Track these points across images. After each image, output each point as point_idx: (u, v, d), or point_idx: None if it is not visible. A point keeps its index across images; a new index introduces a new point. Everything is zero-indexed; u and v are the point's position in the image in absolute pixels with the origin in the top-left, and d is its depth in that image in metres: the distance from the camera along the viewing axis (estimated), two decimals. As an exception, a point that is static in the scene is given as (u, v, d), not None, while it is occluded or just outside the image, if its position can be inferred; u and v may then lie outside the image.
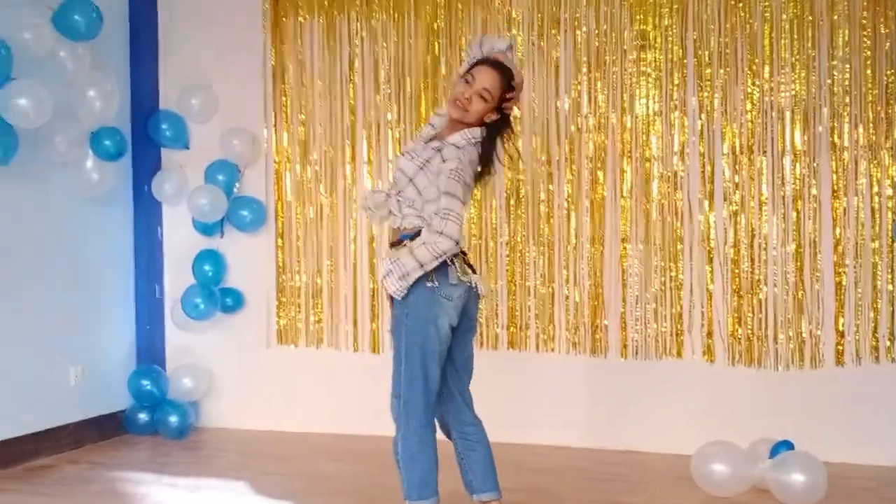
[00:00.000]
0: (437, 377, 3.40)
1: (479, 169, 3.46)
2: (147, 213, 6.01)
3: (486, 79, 3.37)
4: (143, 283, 6.00)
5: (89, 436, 5.53)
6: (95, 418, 5.60)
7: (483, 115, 3.39)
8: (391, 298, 3.40)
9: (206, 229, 5.89)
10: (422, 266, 3.25)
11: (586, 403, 5.36)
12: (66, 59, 5.13)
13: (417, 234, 3.33)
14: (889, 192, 4.86)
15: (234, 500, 4.40)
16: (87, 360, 5.56)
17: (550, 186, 5.37)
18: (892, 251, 4.86)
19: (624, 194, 5.26)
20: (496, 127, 3.45)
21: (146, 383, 5.73)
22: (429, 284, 3.32)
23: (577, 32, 5.34)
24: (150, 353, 5.97)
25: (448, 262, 3.33)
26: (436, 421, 3.51)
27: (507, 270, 5.45)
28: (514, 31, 5.43)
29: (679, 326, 5.19)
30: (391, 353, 3.51)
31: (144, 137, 5.94)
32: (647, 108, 5.23)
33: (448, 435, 3.60)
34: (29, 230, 5.15)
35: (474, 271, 3.47)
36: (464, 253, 3.47)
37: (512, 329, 5.45)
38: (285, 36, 5.85)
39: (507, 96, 3.42)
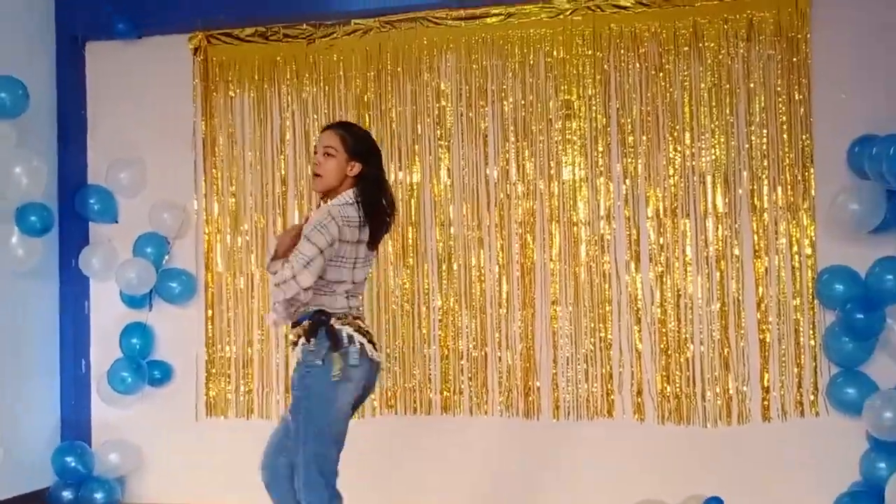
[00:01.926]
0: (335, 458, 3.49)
1: (368, 221, 3.53)
2: (74, 288, 5.93)
3: (324, 139, 3.56)
4: (68, 357, 5.90)
5: (11, 515, 5.36)
6: (17, 498, 5.43)
7: (341, 171, 3.51)
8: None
9: (134, 302, 5.82)
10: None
11: (520, 465, 5.34)
12: (-9, 136, 5.11)
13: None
14: (808, 251, 4.99)
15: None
16: (10, 437, 5.37)
17: (482, 252, 5.43)
18: (814, 308, 4.97)
19: (553, 258, 5.33)
20: (367, 176, 3.55)
21: (70, 460, 5.57)
22: (334, 376, 3.39)
23: (505, 103, 5.45)
24: (75, 428, 5.83)
25: (347, 341, 3.41)
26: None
27: (439, 335, 5.46)
28: (443, 103, 5.54)
29: (609, 386, 5.22)
30: None
31: (72, 212, 5.90)
32: (574, 174, 5.34)
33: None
34: (-49, 305, 5.05)
35: (371, 338, 3.55)
36: (358, 318, 3.55)
37: (445, 393, 5.43)
38: (215, 109, 5.88)
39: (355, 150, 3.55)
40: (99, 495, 5.53)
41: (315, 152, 3.60)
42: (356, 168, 3.53)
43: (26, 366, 5.62)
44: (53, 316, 5.87)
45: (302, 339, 3.45)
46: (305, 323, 3.46)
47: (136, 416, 5.84)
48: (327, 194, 3.57)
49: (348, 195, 3.52)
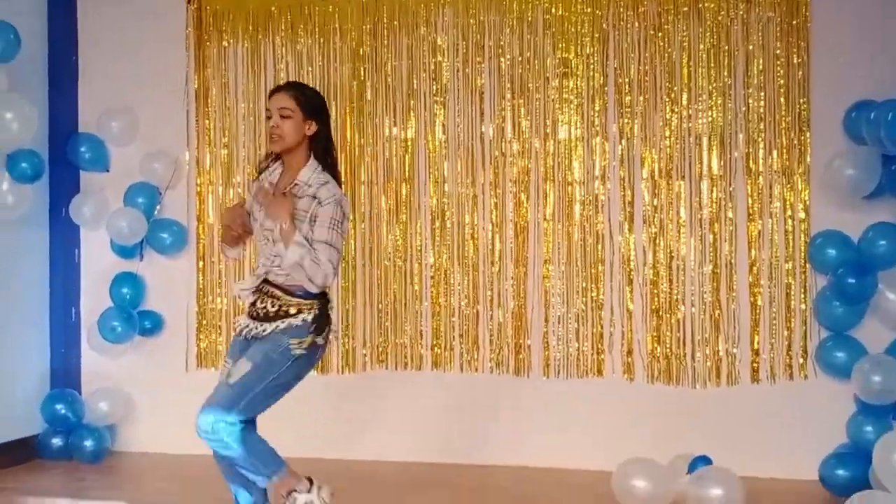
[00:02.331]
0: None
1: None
2: (64, 236, 5.90)
3: (278, 100, 3.57)
4: (58, 306, 5.88)
5: (1, 461, 5.36)
6: (7, 443, 5.45)
7: (300, 131, 3.55)
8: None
9: (125, 252, 5.80)
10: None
11: (509, 422, 5.39)
12: (-18, 80, 5.06)
13: None
14: (802, 215, 5.01)
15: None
16: (-1, 385, 5.42)
17: (475, 209, 5.43)
18: (805, 272, 5.00)
19: (547, 217, 5.33)
20: (321, 135, 3.61)
21: (60, 407, 5.58)
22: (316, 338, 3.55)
23: (502, 59, 5.43)
24: (65, 376, 5.83)
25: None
26: None
27: (431, 292, 5.47)
28: (440, 58, 5.50)
29: (600, 345, 5.26)
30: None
31: (63, 160, 5.84)
32: (570, 133, 5.33)
33: None
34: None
35: None
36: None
37: (436, 350, 5.46)
38: (208, 59, 5.83)
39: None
40: (88, 443, 5.53)
41: (268, 116, 3.59)
42: (313, 127, 3.58)
43: (16, 313, 5.61)
44: (44, 264, 5.85)
45: (303, 315, 3.51)
46: (312, 302, 3.52)
47: (127, 365, 5.84)
48: (285, 153, 3.60)
49: (320, 173, 3.58)
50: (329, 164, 3.64)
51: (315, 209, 3.49)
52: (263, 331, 3.53)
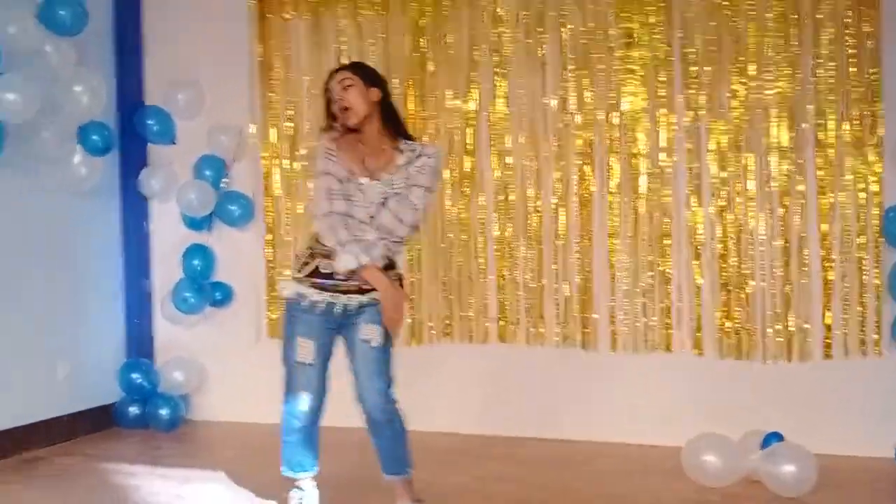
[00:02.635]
0: None
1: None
2: (134, 208, 6.02)
3: (337, 77, 3.61)
4: (132, 277, 6.01)
5: (80, 429, 5.55)
6: (86, 411, 5.62)
7: (365, 98, 3.57)
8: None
9: (195, 224, 5.90)
10: None
11: (577, 396, 5.41)
12: (52, 54, 5.12)
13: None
14: (875, 187, 4.92)
15: (225, 491, 4.43)
16: (78, 354, 5.58)
17: (539, 182, 5.42)
18: (878, 246, 4.92)
19: (612, 190, 5.32)
20: (386, 101, 3.66)
21: (136, 377, 5.75)
22: None
23: (563, 30, 5.38)
24: (139, 346, 5.99)
25: None
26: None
27: (496, 266, 5.50)
28: (501, 29, 5.47)
29: (668, 320, 5.25)
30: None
31: (131, 133, 5.94)
32: (634, 104, 5.29)
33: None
34: (18, 225, 5.15)
35: None
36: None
37: (502, 323, 5.50)
38: (271, 32, 5.86)
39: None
40: (164, 411, 5.70)
41: (329, 98, 3.61)
42: (375, 93, 3.61)
43: (91, 284, 5.75)
44: (116, 236, 5.97)
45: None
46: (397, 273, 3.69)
47: (199, 335, 5.98)
48: (360, 126, 3.59)
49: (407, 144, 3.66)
50: (402, 131, 3.70)
51: (419, 168, 3.59)
52: (360, 304, 3.62)
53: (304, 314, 3.65)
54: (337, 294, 3.60)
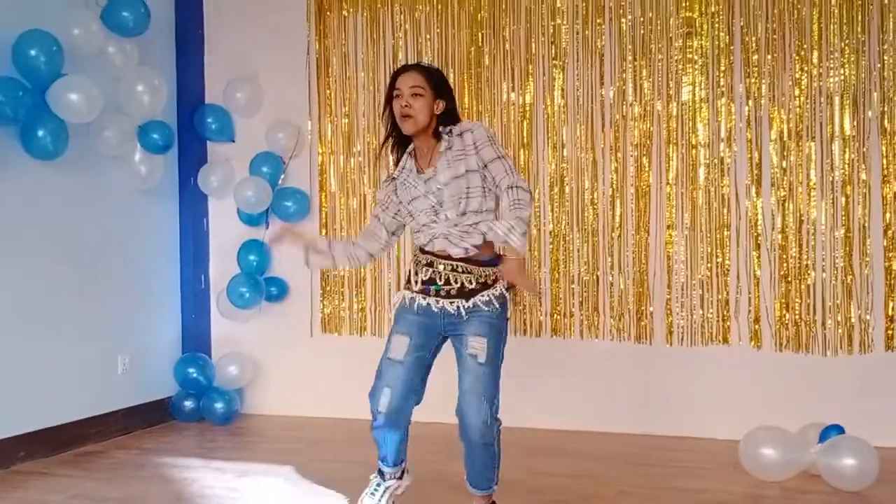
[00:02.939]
0: None
1: None
2: (193, 205, 6.08)
3: (408, 79, 3.45)
4: (188, 272, 6.07)
5: (137, 422, 5.61)
6: (143, 405, 5.68)
7: (430, 110, 3.44)
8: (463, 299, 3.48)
9: (252, 220, 5.94)
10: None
11: (632, 390, 5.34)
12: (115, 54, 5.24)
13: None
14: (940, 176, 4.77)
15: (281, 484, 4.42)
16: (135, 349, 5.64)
17: (595, 174, 5.35)
18: (943, 236, 4.77)
19: (669, 181, 5.22)
20: (450, 112, 3.50)
21: (192, 371, 5.79)
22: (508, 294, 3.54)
23: (622, 20, 5.32)
24: (195, 341, 6.04)
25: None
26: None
27: (550, 258, 5.44)
28: (558, 21, 5.42)
29: (725, 312, 5.15)
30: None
31: (190, 131, 6.01)
32: (694, 94, 5.20)
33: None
34: (79, 222, 5.23)
35: None
36: None
37: (556, 316, 5.43)
38: (329, 29, 5.89)
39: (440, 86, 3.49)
40: (219, 405, 5.73)
41: (396, 95, 3.45)
42: (441, 106, 3.47)
43: (150, 280, 5.82)
44: (174, 232, 6.05)
45: (502, 283, 3.48)
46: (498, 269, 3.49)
47: (254, 330, 6.02)
48: (415, 136, 3.50)
49: (446, 136, 3.51)
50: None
51: (474, 142, 3.42)
52: (465, 308, 3.46)
53: (405, 313, 3.56)
54: (439, 298, 3.48)
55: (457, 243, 3.44)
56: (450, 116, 3.52)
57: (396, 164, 3.62)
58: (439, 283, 3.46)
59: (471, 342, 3.44)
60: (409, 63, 3.56)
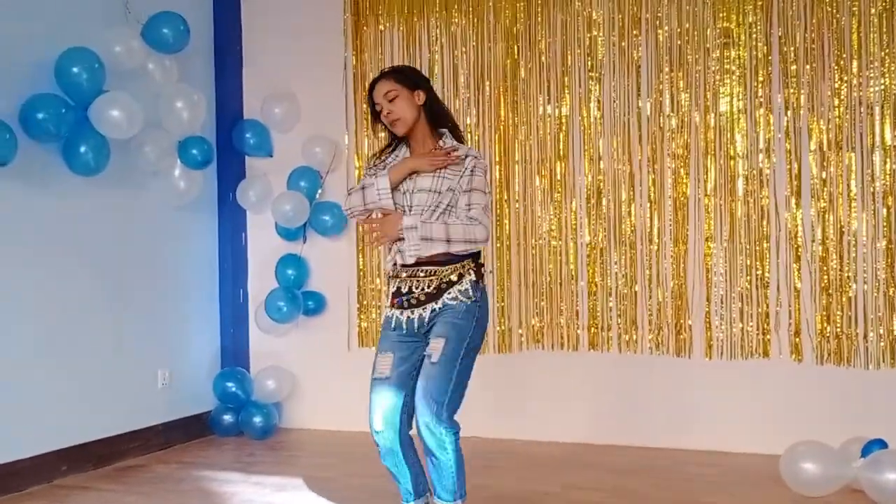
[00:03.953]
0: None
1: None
2: (232, 220, 6.13)
3: (381, 89, 3.46)
4: (227, 287, 6.11)
5: (176, 436, 5.66)
6: (182, 419, 5.72)
7: (412, 104, 3.45)
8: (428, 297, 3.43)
9: (289, 234, 5.98)
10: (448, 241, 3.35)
11: (671, 403, 5.30)
12: (155, 71, 5.30)
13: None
14: (984, 186, 4.69)
15: (319, 499, 4.42)
16: (175, 363, 5.68)
17: (632, 187, 5.32)
18: None
19: (708, 193, 5.18)
20: (431, 100, 3.51)
21: (231, 385, 5.82)
22: (482, 285, 3.47)
23: (659, 32, 5.30)
24: (234, 355, 6.08)
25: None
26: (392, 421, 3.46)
27: (587, 271, 5.41)
28: (595, 33, 5.41)
29: (766, 325, 5.09)
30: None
31: (229, 146, 6.06)
32: (732, 105, 5.16)
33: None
34: (119, 237, 5.29)
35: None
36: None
37: (593, 330, 5.40)
38: (365, 44, 5.92)
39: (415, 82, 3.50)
40: (258, 419, 5.76)
41: (377, 111, 3.47)
42: (422, 96, 3.49)
43: (189, 295, 5.87)
44: (213, 247, 6.10)
45: (466, 277, 3.42)
46: (467, 262, 3.44)
47: (292, 344, 6.05)
48: (410, 134, 3.50)
49: (454, 140, 3.53)
50: (452, 126, 3.57)
51: (470, 168, 3.42)
52: (433, 311, 3.41)
53: (386, 330, 3.53)
54: (413, 308, 3.44)
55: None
56: (434, 108, 3.52)
57: (391, 150, 3.61)
58: (404, 293, 3.44)
59: (430, 343, 3.38)
60: (375, 77, 3.58)
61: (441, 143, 3.51)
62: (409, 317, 3.45)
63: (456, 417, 3.33)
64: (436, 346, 3.35)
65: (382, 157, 3.61)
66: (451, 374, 3.33)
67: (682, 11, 5.25)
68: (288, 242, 6.01)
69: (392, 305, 3.51)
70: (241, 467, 5.08)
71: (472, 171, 3.44)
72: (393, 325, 3.49)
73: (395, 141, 3.60)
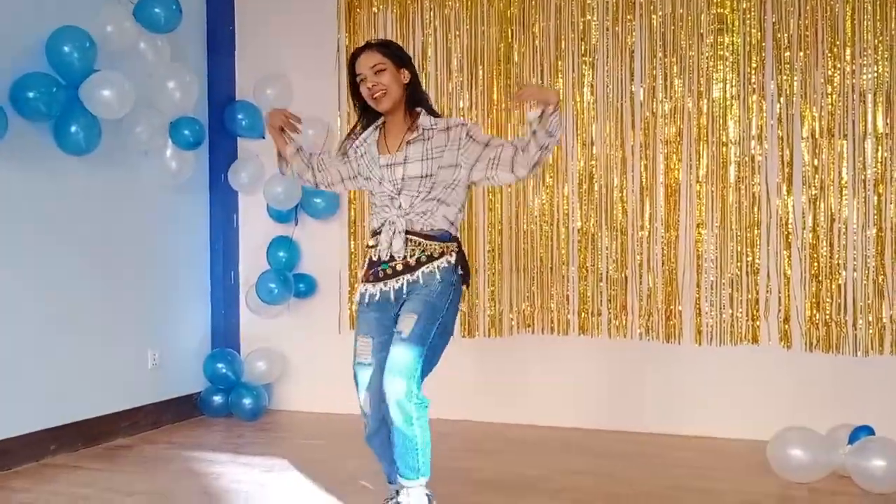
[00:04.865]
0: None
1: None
2: (223, 202, 6.12)
3: (367, 60, 3.42)
4: (218, 269, 6.11)
5: (166, 417, 5.66)
6: (172, 400, 5.72)
7: (398, 81, 3.43)
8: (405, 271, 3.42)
9: (281, 217, 5.97)
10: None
11: (660, 389, 5.31)
12: (147, 51, 5.28)
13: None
14: (975, 175, 4.69)
15: (307, 479, 4.43)
16: (165, 344, 5.68)
17: (624, 172, 5.32)
18: (977, 235, 4.69)
19: (699, 179, 5.18)
20: (414, 82, 3.50)
21: (221, 366, 5.82)
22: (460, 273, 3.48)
23: (653, 17, 5.28)
24: (224, 337, 6.08)
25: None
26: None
27: (578, 256, 5.41)
28: (588, 17, 5.39)
29: (755, 312, 5.10)
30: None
31: (221, 127, 6.04)
32: (725, 91, 5.14)
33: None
34: (110, 217, 5.27)
35: None
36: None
37: (583, 315, 5.40)
38: (358, 26, 5.90)
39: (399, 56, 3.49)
40: (247, 401, 5.76)
41: (360, 80, 3.43)
42: (407, 75, 3.47)
43: (180, 276, 5.86)
44: (205, 229, 6.09)
45: (447, 257, 3.41)
46: (451, 244, 3.44)
47: (283, 326, 6.05)
48: (392, 111, 3.47)
49: (431, 115, 3.51)
50: (431, 109, 3.55)
51: (459, 137, 3.42)
52: (408, 282, 3.39)
53: (362, 311, 3.52)
54: (387, 280, 3.42)
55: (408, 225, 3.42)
56: (416, 89, 3.50)
57: (360, 129, 3.60)
58: (385, 261, 3.42)
59: (401, 319, 3.36)
60: (359, 46, 3.52)
61: (420, 120, 3.47)
62: (381, 289, 3.44)
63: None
64: (408, 322, 3.33)
65: (352, 138, 3.59)
66: (419, 350, 3.31)
67: (676, -3, 5.24)
68: (279, 224, 6.00)
69: (365, 279, 3.49)
70: (231, 448, 5.09)
71: (468, 135, 3.43)
72: (367, 301, 3.49)
73: (365, 120, 3.56)
